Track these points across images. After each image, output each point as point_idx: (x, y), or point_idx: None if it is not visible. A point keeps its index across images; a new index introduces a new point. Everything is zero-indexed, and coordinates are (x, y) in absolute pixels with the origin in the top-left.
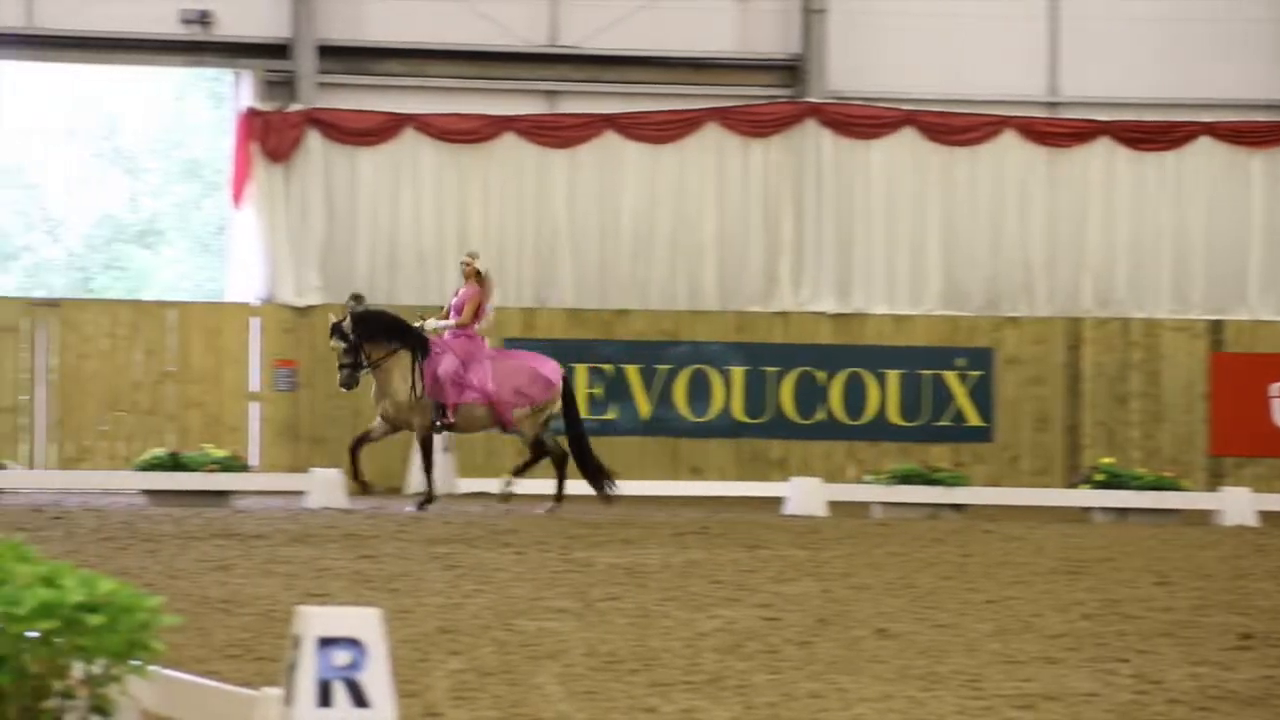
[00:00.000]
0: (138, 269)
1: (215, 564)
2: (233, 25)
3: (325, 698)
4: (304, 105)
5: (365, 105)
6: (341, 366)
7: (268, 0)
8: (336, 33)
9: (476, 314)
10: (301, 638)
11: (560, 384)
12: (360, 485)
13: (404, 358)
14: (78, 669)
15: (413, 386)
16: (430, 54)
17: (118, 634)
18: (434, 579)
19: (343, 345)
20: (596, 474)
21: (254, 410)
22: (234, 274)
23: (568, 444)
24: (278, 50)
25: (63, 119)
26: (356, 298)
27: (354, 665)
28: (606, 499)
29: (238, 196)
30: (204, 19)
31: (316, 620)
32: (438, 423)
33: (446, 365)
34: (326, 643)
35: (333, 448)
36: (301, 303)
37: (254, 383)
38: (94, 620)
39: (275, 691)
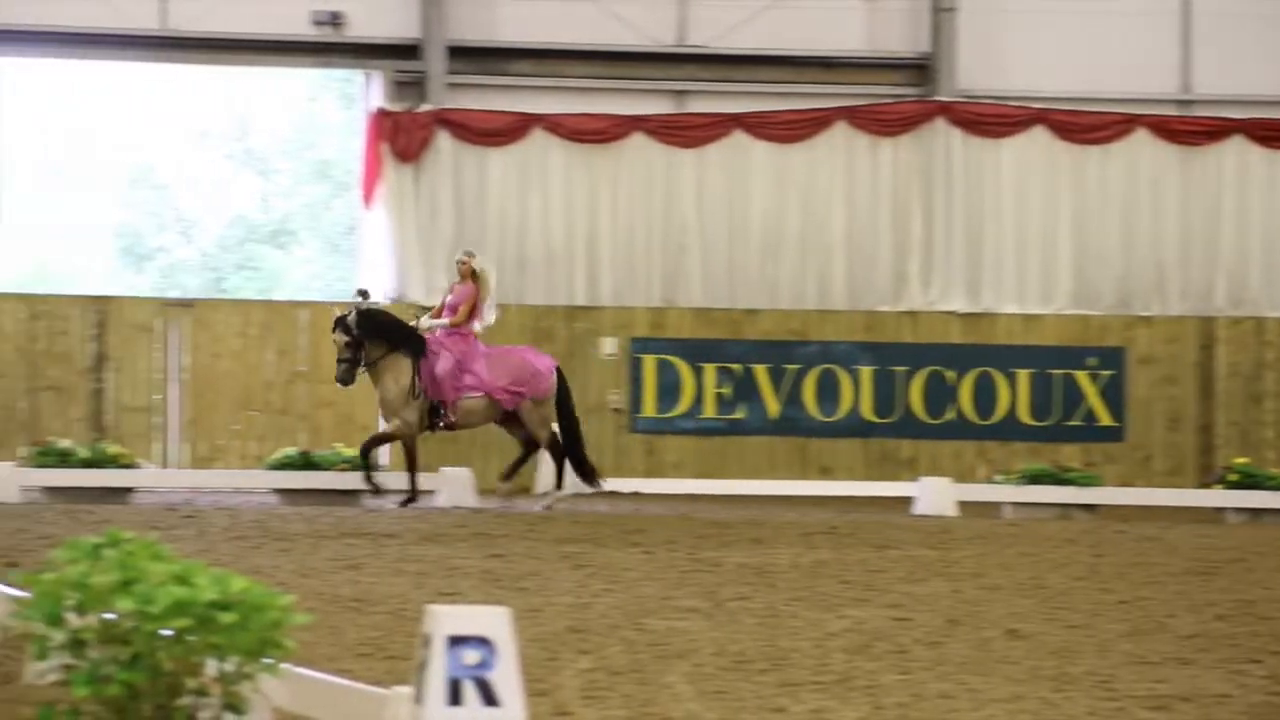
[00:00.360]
0: (270, 269)
1: (346, 562)
2: (363, 26)
3: (455, 696)
4: (434, 106)
5: (494, 105)
6: (340, 361)
7: (398, 1)
8: (466, 33)
9: (471, 314)
10: (432, 636)
11: (554, 377)
12: (372, 486)
13: (400, 359)
14: (211, 667)
15: (410, 387)
16: (560, 54)
17: (250, 632)
18: (563, 578)
19: (345, 339)
20: (588, 470)
21: None
22: (364, 274)
23: (561, 437)
24: (408, 51)
25: (195, 121)
26: (363, 294)
27: (484, 664)
28: (598, 493)
29: (368, 197)
30: (335, 20)
31: (447, 619)
32: (440, 424)
33: (444, 364)
34: (457, 641)
35: (462, 447)
36: (431, 302)
37: None
38: (226, 618)
39: (406, 690)
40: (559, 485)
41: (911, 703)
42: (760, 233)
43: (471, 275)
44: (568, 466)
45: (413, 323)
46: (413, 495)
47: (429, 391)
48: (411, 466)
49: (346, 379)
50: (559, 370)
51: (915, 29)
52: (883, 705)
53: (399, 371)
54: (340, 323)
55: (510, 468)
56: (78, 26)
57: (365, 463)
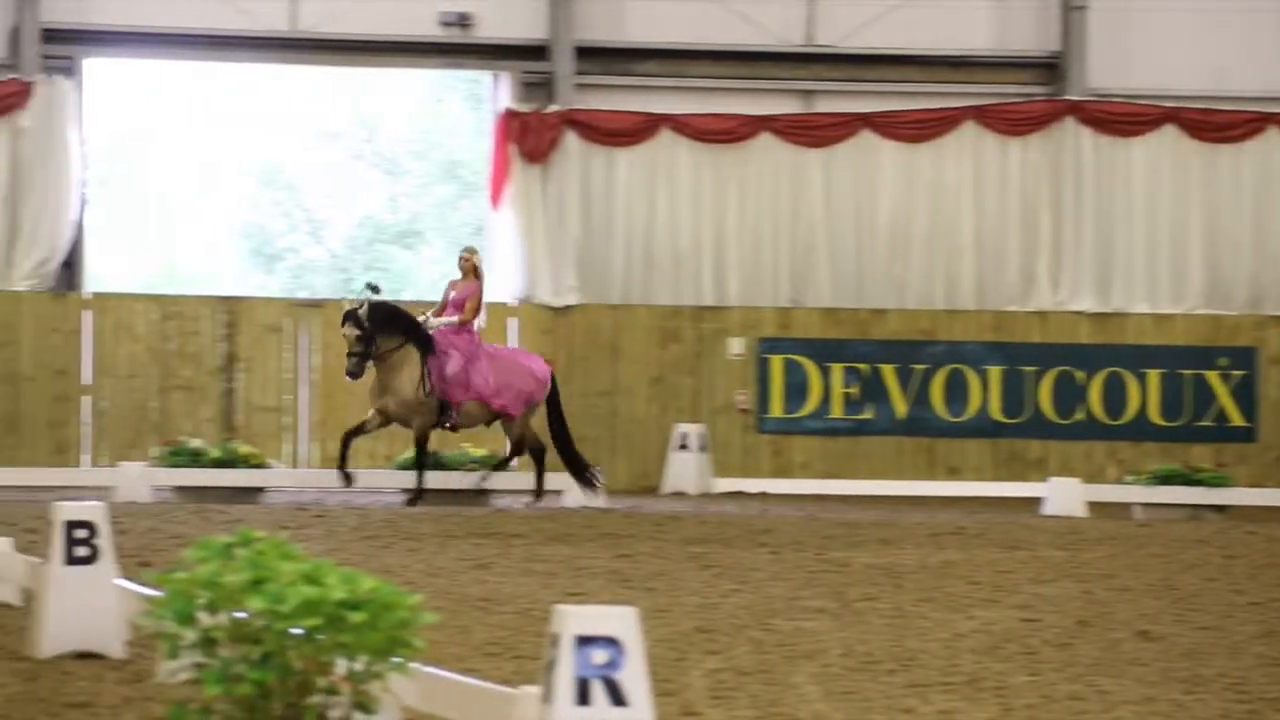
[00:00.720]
0: (398, 269)
1: (474, 562)
2: (491, 27)
3: (583, 696)
4: (561, 106)
5: (622, 106)
6: (351, 355)
7: (526, 2)
8: (594, 34)
9: (476, 310)
10: (560, 636)
11: (550, 382)
12: (344, 477)
13: (412, 354)
14: (340, 666)
15: (420, 384)
16: (687, 54)
17: (379, 631)
18: (691, 578)
19: (356, 333)
20: (580, 467)
21: None
22: (492, 274)
23: (551, 438)
24: (536, 52)
25: (324, 122)
26: (373, 288)
27: (612, 664)
28: (593, 490)
29: (495, 197)
30: (463, 21)
31: (575, 619)
32: (447, 424)
33: (454, 364)
34: (585, 641)
35: (590, 446)
36: (559, 303)
37: None
38: (356, 617)
39: (534, 690)
40: (539, 490)
41: (1041, 704)
42: (888, 232)
43: (474, 272)
44: (546, 471)
45: (421, 319)
46: (418, 493)
47: (438, 391)
48: (421, 465)
49: (357, 372)
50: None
51: (1045, 27)
52: (1012, 707)
53: (412, 366)
54: (351, 316)
55: (499, 463)
56: (209, 29)
57: (343, 453)
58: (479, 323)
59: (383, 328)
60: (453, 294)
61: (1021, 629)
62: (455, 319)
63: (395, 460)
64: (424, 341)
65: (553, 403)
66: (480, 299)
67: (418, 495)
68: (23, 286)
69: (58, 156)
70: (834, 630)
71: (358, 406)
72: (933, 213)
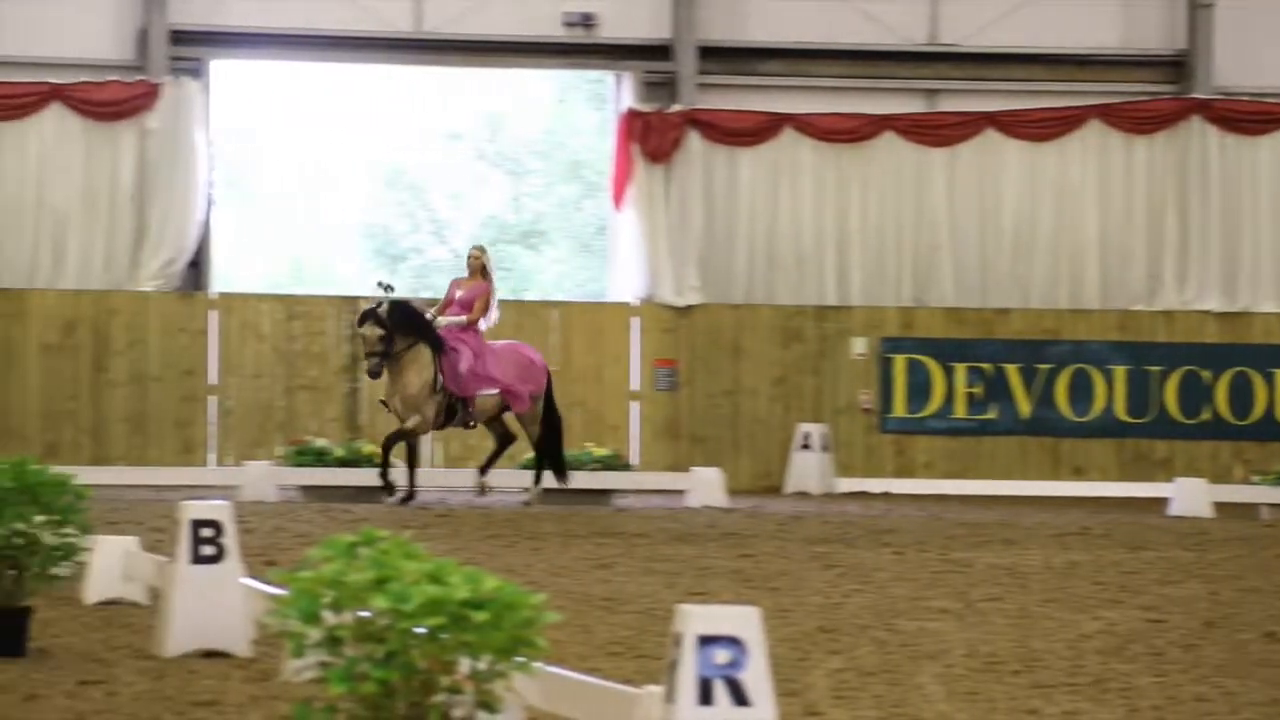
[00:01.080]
0: (521, 269)
1: (597, 562)
2: (614, 27)
3: (706, 696)
4: (684, 106)
5: (744, 105)
6: (371, 354)
7: (649, 2)
8: (717, 33)
9: (484, 310)
10: (682, 636)
11: (548, 372)
12: (388, 488)
13: (424, 352)
14: (464, 665)
15: (432, 381)
16: (810, 54)
17: (502, 631)
18: (813, 578)
19: (379, 332)
20: (561, 465)
21: (634, 409)
22: (615, 274)
23: (545, 430)
24: (659, 51)
25: (448, 122)
26: (386, 286)
27: (734, 664)
28: (566, 487)
29: (618, 197)
30: (586, 21)
31: (697, 618)
32: (471, 423)
33: (466, 361)
34: (707, 641)
35: (713, 446)
36: (681, 302)
37: (634, 382)
38: (479, 617)
39: (656, 689)
40: (538, 482)
41: (1166, 705)
42: (1012, 232)
43: (482, 271)
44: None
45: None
46: (411, 494)
47: (451, 387)
48: (413, 464)
49: (378, 372)
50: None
51: (1171, 26)
52: (1138, 708)
53: (422, 365)
54: (372, 315)
55: (488, 461)
56: (334, 30)
57: (384, 460)
58: (491, 321)
59: (401, 326)
60: (458, 293)
61: (1147, 630)
62: (462, 318)
63: (517, 461)
64: (435, 340)
65: (547, 396)
66: (490, 298)
67: (410, 495)
68: (150, 287)
69: (184, 157)
70: (958, 631)
71: None
72: (1057, 212)
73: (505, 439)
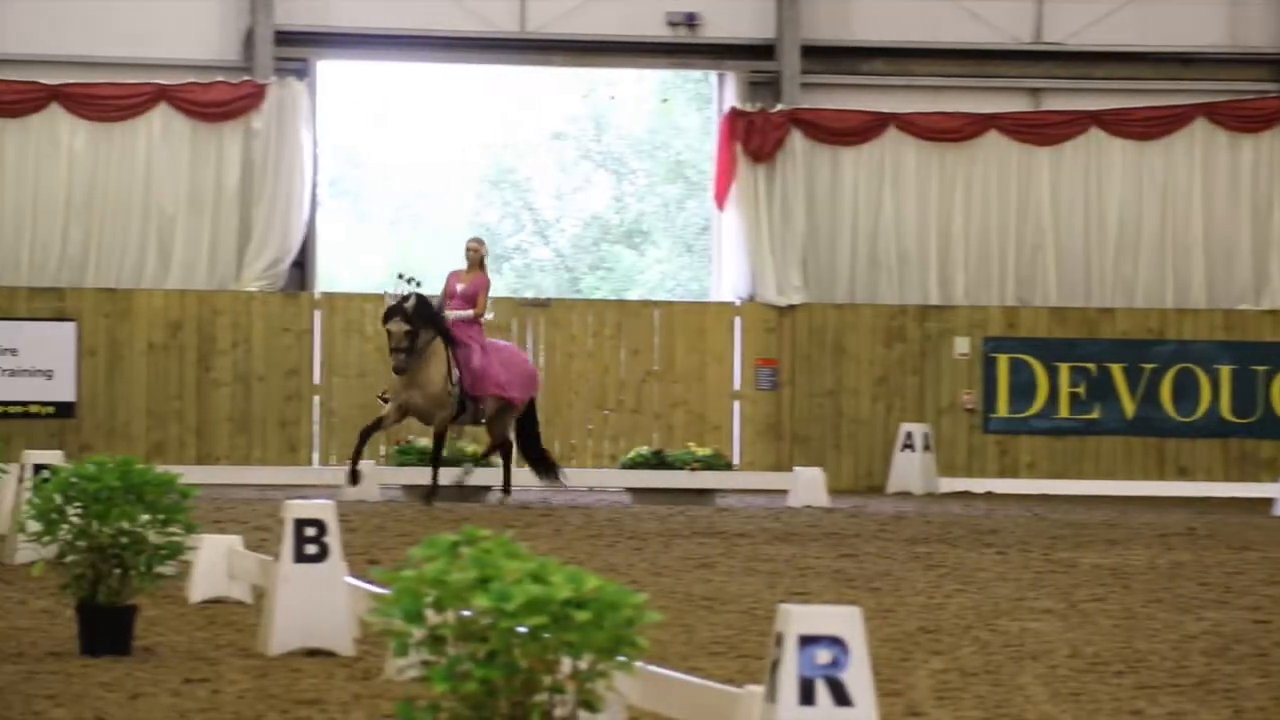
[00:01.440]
0: (623, 269)
1: (699, 561)
2: (718, 27)
3: (807, 696)
4: (787, 105)
5: (848, 105)
6: (399, 350)
7: (753, 1)
8: (821, 33)
9: (486, 304)
10: (784, 636)
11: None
12: (353, 475)
13: (440, 348)
14: (565, 664)
15: (447, 378)
16: (914, 53)
17: (604, 630)
18: (915, 578)
19: (405, 328)
20: (545, 464)
21: (736, 409)
22: (717, 274)
23: (523, 433)
24: (762, 51)
25: (552, 122)
26: (410, 279)
27: (836, 664)
28: (557, 485)
29: (721, 197)
30: (690, 21)
31: (799, 618)
32: (482, 420)
33: (477, 357)
34: (809, 641)
35: (814, 446)
36: (783, 302)
37: (736, 382)
38: (581, 616)
39: (758, 689)
40: (508, 487)
41: (1272, 706)
42: (1116, 231)
43: (480, 263)
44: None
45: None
46: (434, 489)
47: (468, 385)
48: (438, 461)
49: (406, 368)
50: None
51: (1277, 24)
52: (1243, 709)
53: (441, 360)
54: (400, 311)
55: (506, 478)
56: (439, 30)
57: (359, 450)
58: (487, 316)
59: (426, 322)
60: (459, 286)
61: (1253, 630)
62: (468, 312)
63: (619, 460)
64: (449, 335)
65: (531, 400)
66: (488, 291)
67: (434, 491)
68: (254, 287)
69: (289, 158)
70: (1061, 631)
71: (582, 405)
72: (1162, 211)
73: (504, 444)
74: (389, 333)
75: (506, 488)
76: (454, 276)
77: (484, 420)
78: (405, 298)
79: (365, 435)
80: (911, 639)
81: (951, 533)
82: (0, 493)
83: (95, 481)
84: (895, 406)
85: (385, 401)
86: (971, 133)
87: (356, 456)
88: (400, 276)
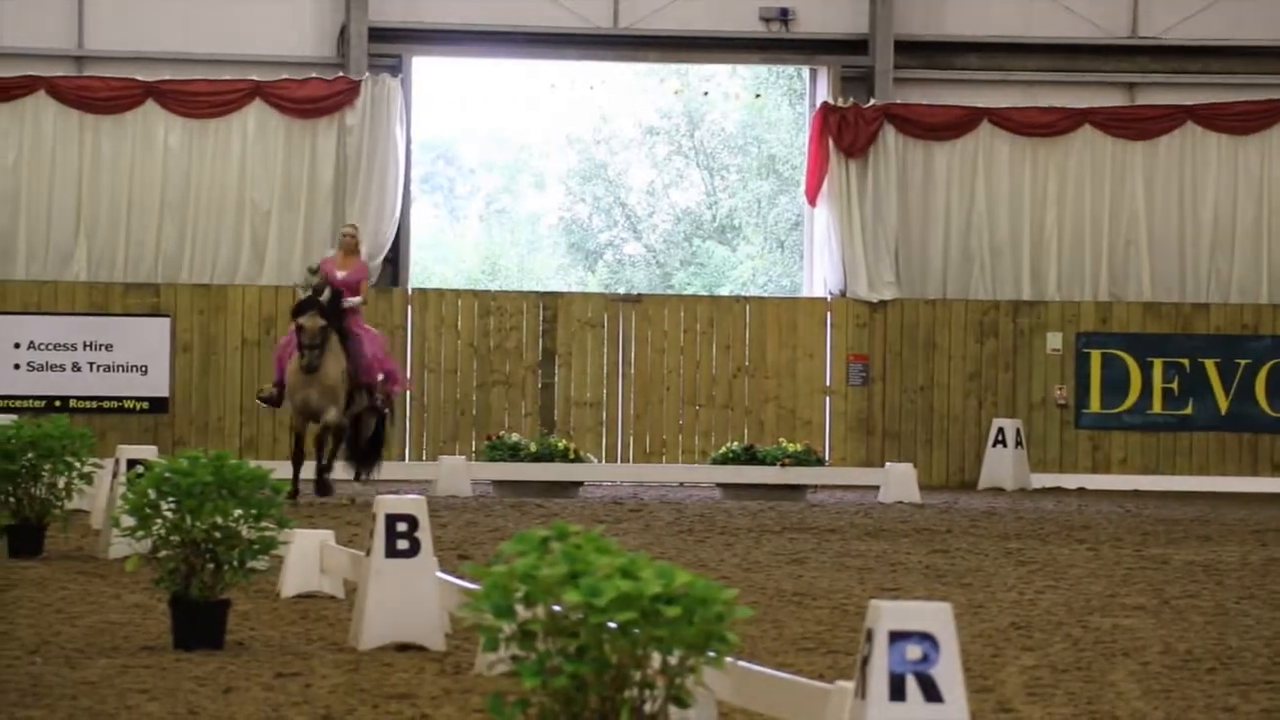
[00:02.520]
0: (715, 265)
1: (789, 557)
2: (811, 22)
3: (898, 692)
4: (880, 100)
5: (941, 100)
6: (313, 347)
7: None
8: (914, 28)
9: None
10: (874, 632)
11: None
12: (294, 493)
13: (334, 339)
14: (655, 659)
15: (345, 370)
16: (1008, 47)
17: (694, 625)
18: (1006, 574)
19: (321, 323)
20: (366, 461)
21: (827, 404)
22: (809, 269)
23: (366, 427)
24: (855, 46)
25: (644, 117)
26: (314, 270)
27: (926, 660)
28: (364, 481)
29: (813, 192)
30: (784, 16)
31: (889, 614)
32: (388, 410)
33: (368, 347)
34: (899, 637)
35: (905, 442)
36: (875, 297)
37: (828, 377)
38: (671, 612)
39: (848, 685)
40: (328, 475)
41: None
42: (1211, 226)
43: (356, 249)
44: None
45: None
46: (296, 489)
47: (364, 376)
48: (332, 459)
49: (318, 366)
50: None
51: None
52: None
53: (337, 353)
54: (315, 305)
55: (330, 465)
56: (533, 26)
57: (298, 462)
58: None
59: (334, 316)
60: (339, 273)
61: None
62: (358, 299)
63: (710, 455)
64: (342, 327)
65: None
66: (368, 280)
67: (327, 486)
68: None
69: (383, 154)
70: (1153, 628)
71: (673, 402)
72: (1257, 206)
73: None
74: (301, 328)
75: (327, 476)
76: (329, 263)
77: (388, 409)
78: (318, 290)
79: (299, 461)
80: (1002, 635)
81: (1043, 529)
82: (95, 488)
83: (189, 477)
84: (987, 402)
85: (267, 403)
86: (1065, 128)
87: (295, 479)
88: (310, 270)
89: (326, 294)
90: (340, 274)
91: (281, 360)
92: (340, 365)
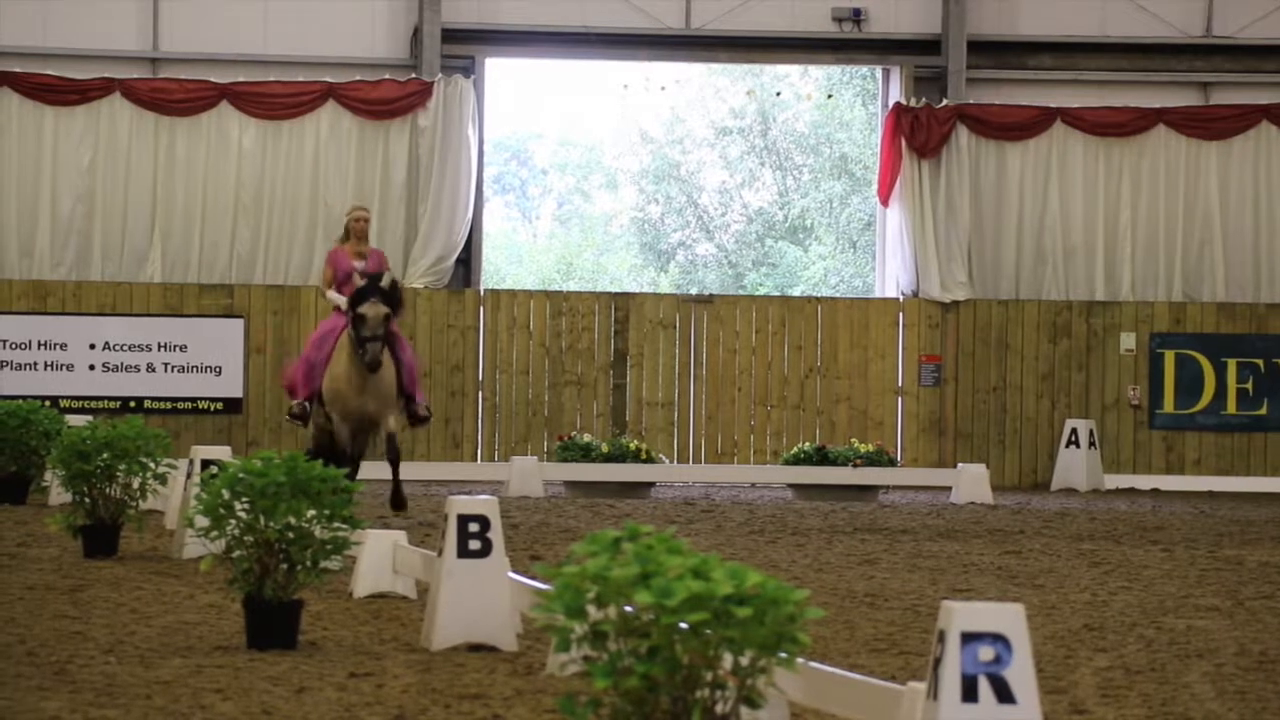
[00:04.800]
0: (787, 265)
1: (861, 557)
2: (883, 22)
3: (970, 693)
4: (953, 101)
5: (1014, 100)
6: (376, 339)
7: None
8: (986, 27)
9: None
10: (946, 633)
11: None
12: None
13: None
14: (727, 660)
15: (397, 374)
16: (1081, 47)
17: (765, 626)
18: (1079, 575)
19: (384, 311)
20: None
21: (899, 405)
22: (880, 269)
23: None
24: (928, 46)
25: (717, 118)
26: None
27: (999, 661)
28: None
29: (885, 192)
30: (856, 17)
31: (962, 615)
32: (428, 417)
33: (408, 351)
34: (971, 638)
35: (978, 443)
36: (948, 298)
37: (900, 378)
38: (742, 612)
39: (920, 686)
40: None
41: None
42: None
43: (367, 235)
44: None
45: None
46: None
47: (405, 381)
48: (397, 474)
49: (380, 363)
50: None
51: None
52: None
53: (388, 356)
54: (376, 291)
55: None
56: (605, 27)
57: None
58: None
59: (399, 307)
60: (358, 264)
61: None
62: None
63: (782, 456)
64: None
65: None
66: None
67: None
68: (420, 284)
69: (455, 155)
70: (1227, 629)
71: (745, 402)
72: None
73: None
74: (362, 317)
75: (401, 498)
76: (340, 254)
77: (429, 416)
78: (377, 275)
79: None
80: (1075, 636)
81: (1116, 530)
82: (169, 489)
83: (262, 477)
84: (1060, 403)
85: (298, 419)
86: (1139, 127)
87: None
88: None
89: (387, 279)
90: (357, 265)
91: (310, 365)
92: (393, 368)
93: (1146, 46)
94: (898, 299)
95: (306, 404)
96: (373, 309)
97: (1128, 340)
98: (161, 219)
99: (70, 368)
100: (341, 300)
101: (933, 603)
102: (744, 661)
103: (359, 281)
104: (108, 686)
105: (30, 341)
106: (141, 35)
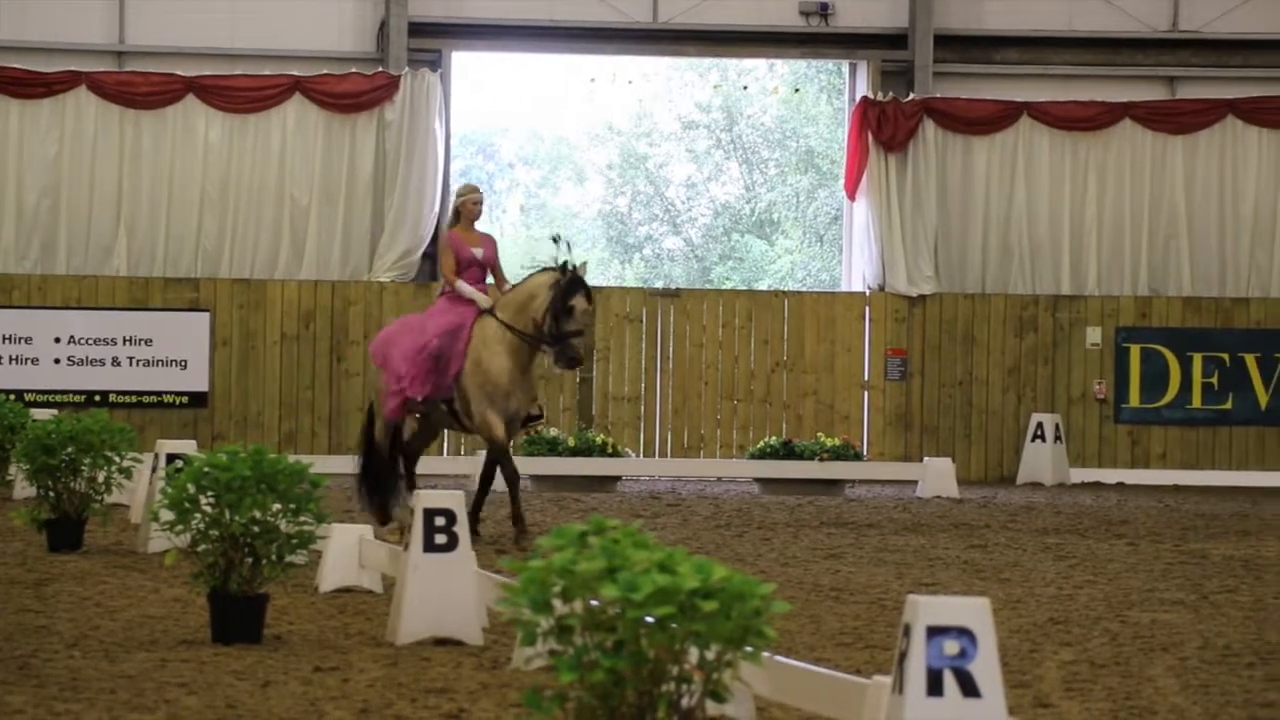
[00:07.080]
0: (753, 259)
1: (827, 552)
2: (850, 17)
3: (935, 687)
4: (919, 95)
5: (979, 94)
6: (581, 334)
7: None
8: (954, 22)
9: None
10: (912, 626)
11: None
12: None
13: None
14: (693, 654)
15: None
16: (1048, 41)
17: (731, 620)
18: (1045, 569)
19: (590, 306)
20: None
21: (866, 399)
22: (847, 263)
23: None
24: (895, 40)
25: (683, 111)
26: (561, 240)
27: (964, 655)
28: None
29: (852, 187)
30: (823, 11)
31: (927, 609)
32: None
33: None
34: (937, 632)
35: (944, 437)
36: (914, 292)
37: (866, 372)
38: (708, 606)
39: (885, 680)
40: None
41: None
42: (1252, 220)
43: (478, 218)
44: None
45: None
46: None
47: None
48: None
49: (581, 359)
50: None
51: None
52: None
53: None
54: (584, 284)
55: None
56: (572, 21)
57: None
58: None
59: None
60: (475, 251)
61: None
62: (507, 286)
63: (748, 450)
64: None
65: None
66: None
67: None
68: (386, 278)
69: (422, 149)
70: (1192, 623)
71: (711, 396)
72: None
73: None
74: (570, 310)
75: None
76: (458, 239)
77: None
78: (574, 267)
79: (488, 486)
80: (1041, 630)
81: (1082, 523)
82: (134, 482)
83: (228, 471)
84: (1026, 397)
85: (462, 425)
86: (1105, 122)
87: (479, 508)
88: (555, 240)
89: (584, 267)
90: (476, 251)
91: (434, 359)
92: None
93: (1113, 41)
94: (864, 293)
95: (425, 398)
96: (582, 303)
97: (1093, 334)
98: (127, 212)
99: (35, 361)
100: (479, 296)
101: (898, 597)
102: (710, 656)
103: (474, 264)
104: (72, 681)
105: None
106: (108, 28)
